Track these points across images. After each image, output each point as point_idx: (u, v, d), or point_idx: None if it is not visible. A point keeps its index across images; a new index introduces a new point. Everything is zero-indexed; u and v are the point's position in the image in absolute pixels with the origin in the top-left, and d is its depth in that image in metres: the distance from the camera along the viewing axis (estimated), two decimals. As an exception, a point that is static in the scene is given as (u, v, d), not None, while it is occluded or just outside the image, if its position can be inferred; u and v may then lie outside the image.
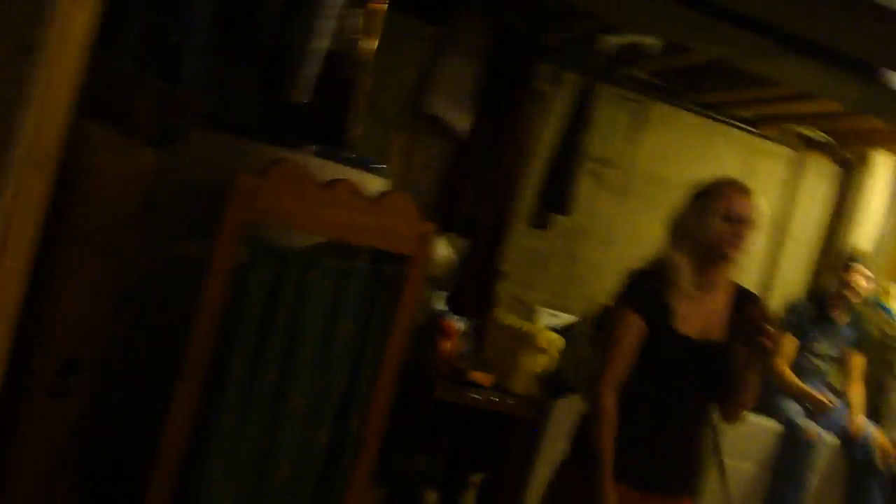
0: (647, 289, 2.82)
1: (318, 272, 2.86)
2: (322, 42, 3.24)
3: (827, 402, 5.28)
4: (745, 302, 2.90)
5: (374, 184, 3.11)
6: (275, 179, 2.71)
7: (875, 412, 5.85)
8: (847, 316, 5.51)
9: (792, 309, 5.55)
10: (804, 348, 5.47)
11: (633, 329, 2.78)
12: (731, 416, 2.94)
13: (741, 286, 2.96)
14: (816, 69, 3.67)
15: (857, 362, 5.55)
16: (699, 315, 2.83)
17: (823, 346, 5.51)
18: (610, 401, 2.75)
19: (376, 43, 3.46)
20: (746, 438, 5.10)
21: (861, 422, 5.28)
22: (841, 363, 5.70)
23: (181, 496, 2.76)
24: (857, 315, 5.58)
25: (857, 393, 5.45)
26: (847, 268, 5.48)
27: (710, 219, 2.78)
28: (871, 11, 2.74)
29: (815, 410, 5.27)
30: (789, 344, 5.42)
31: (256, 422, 2.82)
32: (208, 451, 2.76)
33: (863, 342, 5.58)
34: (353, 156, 3.15)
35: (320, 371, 2.90)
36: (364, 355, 2.96)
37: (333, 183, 2.83)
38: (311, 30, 3.23)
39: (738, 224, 2.79)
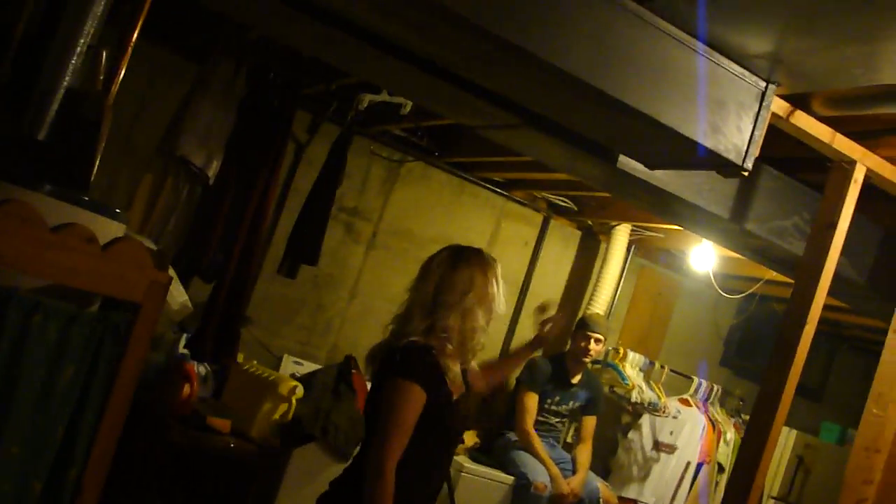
0: (427, 362, 2.86)
1: (42, 316, 2.77)
2: (66, 78, 3.16)
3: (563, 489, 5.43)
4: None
5: (109, 229, 3.04)
6: (-2, 220, 2.62)
7: (606, 466, 6.17)
8: (580, 376, 5.77)
9: (531, 366, 5.72)
10: (541, 406, 5.69)
11: (418, 403, 2.80)
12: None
13: None
14: (556, 146, 3.83)
15: (588, 424, 5.81)
16: (455, 374, 2.94)
17: (559, 404, 5.74)
18: (392, 475, 2.73)
19: (118, 83, 3.38)
20: (481, 489, 5.27)
21: (577, 482, 5.48)
22: (574, 421, 5.97)
23: None
24: (588, 375, 5.86)
25: (583, 451, 5.68)
26: (581, 330, 5.73)
27: (496, 293, 2.95)
28: (607, 103, 2.91)
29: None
30: (531, 400, 5.63)
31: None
32: None
33: (594, 401, 5.84)
34: (88, 199, 3.07)
35: (38, 419, 2.81)
36: (87, 404, 2.89)
37: (63, 227, 2.76)
38: (55, 64, 3.14)
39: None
